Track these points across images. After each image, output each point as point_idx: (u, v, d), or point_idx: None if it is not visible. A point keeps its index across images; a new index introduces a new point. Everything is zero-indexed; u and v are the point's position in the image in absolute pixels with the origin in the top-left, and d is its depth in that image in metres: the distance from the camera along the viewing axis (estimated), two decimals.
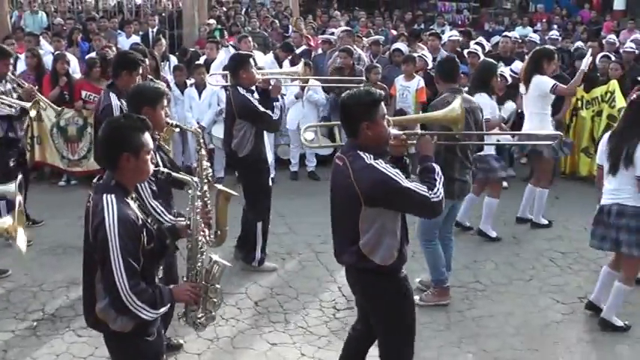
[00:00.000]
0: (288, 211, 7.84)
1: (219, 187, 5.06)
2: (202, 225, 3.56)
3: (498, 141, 7.09)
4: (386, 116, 3.65)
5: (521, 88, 7.68)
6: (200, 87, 9.23)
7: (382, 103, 3.63)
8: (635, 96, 5.53)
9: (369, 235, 3.57)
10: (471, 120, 5.42)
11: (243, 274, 6.21)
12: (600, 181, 5.49)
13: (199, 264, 3.46)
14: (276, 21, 15.17)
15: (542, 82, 7.26)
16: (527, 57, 8.13)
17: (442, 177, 3.68)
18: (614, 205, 5.26)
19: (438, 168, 3.70)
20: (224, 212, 4.88)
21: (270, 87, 6.24)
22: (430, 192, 3.52)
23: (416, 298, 5.77)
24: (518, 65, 9.17)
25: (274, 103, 6.12)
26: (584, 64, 7.63)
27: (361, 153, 3.52)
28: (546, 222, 7.79)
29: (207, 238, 3.71)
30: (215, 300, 3.52)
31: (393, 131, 3.74)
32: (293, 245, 7.02)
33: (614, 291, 5.40)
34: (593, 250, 5.82)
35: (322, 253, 6.59)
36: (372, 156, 3.51)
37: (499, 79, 7.84)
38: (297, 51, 10.17)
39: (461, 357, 5.00)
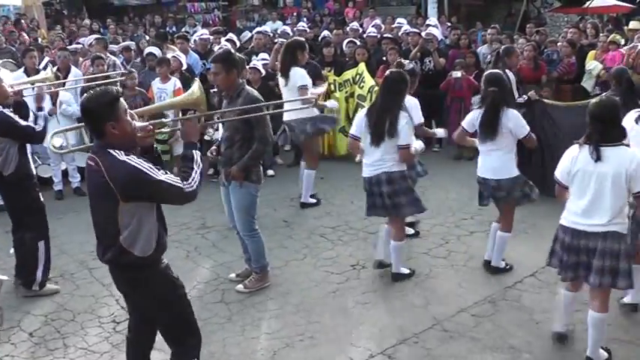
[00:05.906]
0: (57, 232, 7.38)
1: None
2: None
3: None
4: (128, 110, 3.65)
5: (280, 80, 8.01)
6: None
7: (122, 99, 3.62)
8: (388, 72, 6.01)
9: (129, 229, 3.57)
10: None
11: (15, 307, 5.80)
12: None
13: None
14: (24, 34, 14.27)
15: (299, 75, 7.72)
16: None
17: (201, 165, 3.75)
18: (383, 175, 5.73)
19: (197, 155, 3.76)
20: None
21: (33, 96, 6.08)
22: (185, 182, 3.59)
23: (239, 287, 5.92)
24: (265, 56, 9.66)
25: (38, 113, 5.91)
26: None
27: (111, 151, 3.51)
28: (314, 201, 8.21)
29: None
30: None
31: (139, 124, 3.76)
32: (65, 266, 6.69)
33: (392, 248, 5.99)
34: (360, 220, 6.26)
35: (96, 269, 6.36)
36: (122, 152, 3.51)
37: (250, 72, 8.40)
38: (42, 63, 9.65)
39: (245, 344, 5.11)
